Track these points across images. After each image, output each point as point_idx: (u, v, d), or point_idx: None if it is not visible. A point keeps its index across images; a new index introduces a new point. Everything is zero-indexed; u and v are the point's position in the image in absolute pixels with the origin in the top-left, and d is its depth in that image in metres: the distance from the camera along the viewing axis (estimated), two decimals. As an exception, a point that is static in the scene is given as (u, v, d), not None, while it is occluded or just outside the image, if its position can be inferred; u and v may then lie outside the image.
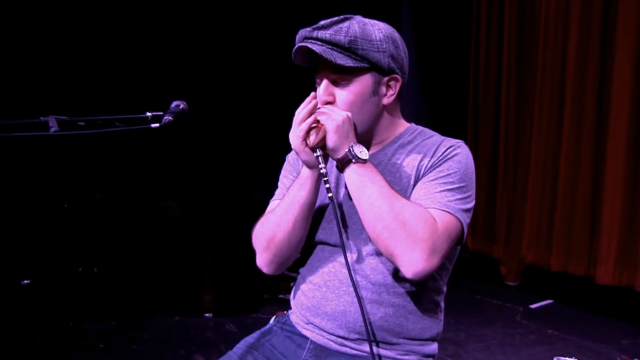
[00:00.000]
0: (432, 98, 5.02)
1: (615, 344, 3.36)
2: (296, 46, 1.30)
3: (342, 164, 1.27)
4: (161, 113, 1.33)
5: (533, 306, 4.12)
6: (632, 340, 3.42)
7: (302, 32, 1.31)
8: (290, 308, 1.49)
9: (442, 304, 1.42)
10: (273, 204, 1.46)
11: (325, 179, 1.27)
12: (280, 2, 4.32)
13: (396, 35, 1.35)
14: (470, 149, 1.34)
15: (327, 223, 1.39)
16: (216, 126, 4.16)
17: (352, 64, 1.28)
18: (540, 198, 4.38)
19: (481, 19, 4.94)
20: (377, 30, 1.31)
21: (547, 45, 4.32)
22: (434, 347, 1.39)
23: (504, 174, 4.76)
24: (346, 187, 1.32)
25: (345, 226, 1.36)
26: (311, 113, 1.28)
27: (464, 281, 4.51)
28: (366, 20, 1.33)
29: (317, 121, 1.28)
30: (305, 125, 1.27)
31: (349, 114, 1.28)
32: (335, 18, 1.30)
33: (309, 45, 1.27)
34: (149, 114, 1.32)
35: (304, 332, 1.40)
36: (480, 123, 5.00)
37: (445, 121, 4.76)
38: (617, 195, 3.80)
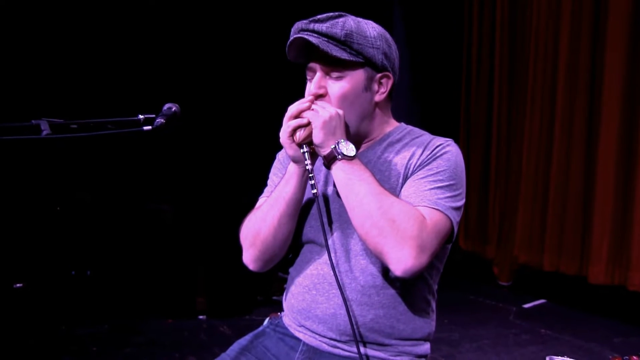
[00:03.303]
0: (425, 98, 5.04)
1: (607, 342, 3.38)
2: (292, 37, 1.30)
3: (328, 161, 1.27)
4: (153, 115, 1.33)
5: (526, 306, 4.14)
6: (623, 339, 3.45)
7: (298, 25, 1.32)
8: (283, 309, 1.50)
9: (434, 304, 1.42)
10: (261, 201, 1.46)
11: (311, 175, 1.27)
12: (272, 5, 4.32)
13: (388, 35, 1.37)
14: (463, 149, 1.35)
15: (315, 221, 1.38)
16: (209, 129, 4.15)
17: (347, 57, 1.28)
18: (532, 198, 4.41)
19: (473, 19, 4.97)
20: (371, 27, 1.33)
21: (538, 46, 4.35)
22: (426, 347, 1.39)
23: (496, 175, 4.78)
24: (334, 185, 1.31)
25: (333, 225, 1.36)
26: (302, 111, 1.28)
27: (457, 282, 4.53)
28: (359, 18, 1.34)
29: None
30: (294, 123, 1.27)
31: (340, 111, 1.28)
32: (330, 13, 1.31)
33: (306, 37, 1.27)
34: (141, 116, 1.32)
35: (297, 334, 1.40)
36: (472, 123, 5.03)
37: (437, 121, 4.78)
38: (608, 195, 3.82)
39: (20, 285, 3.49)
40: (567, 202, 4.14)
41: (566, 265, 4.13)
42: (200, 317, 3.68)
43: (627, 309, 3.79)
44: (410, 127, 1.44)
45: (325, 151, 1.27)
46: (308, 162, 1.27)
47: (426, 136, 1.39)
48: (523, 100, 4.50)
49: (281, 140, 1.30)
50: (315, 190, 1.27)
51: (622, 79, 3.76)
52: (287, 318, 1.45)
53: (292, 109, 1.28)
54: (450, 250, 1.40)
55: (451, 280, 4.28)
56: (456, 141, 1.39)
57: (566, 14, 4.12)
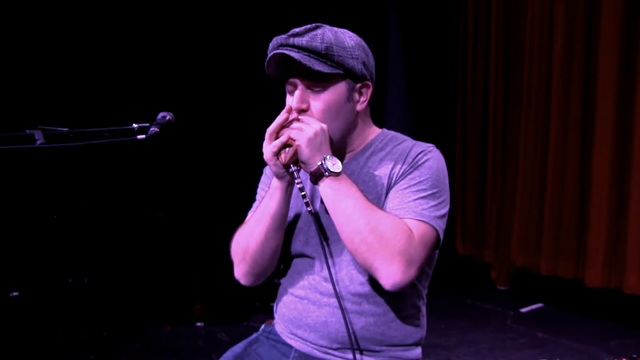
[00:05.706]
0: (421, 104, 5.04)
1: (604, 345, 3.39)
2: (271, 53, 1.30)
3: (315, 178, 1.27)
4: (147, 124, 1.33)
5: (523, 310, 4.15)
6: (620, 341, 3.45)
7: (277, 40, 1.31)
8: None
9: (424, 309, 1.43)
10: (250, 215, 1.47)
11: (303, 193, 1.27)
12: (267, 14, 4.33)
13: (364, 43, 1.37)
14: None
15: (303, 235, 1.39)
16: (206, 136, 4.16)
17: (328, 71, 1.28)
18: (528, 202, 4.42)
19: (468, 26, 4.99)
20: (349, 37, 1.32)
21: (533, 52, 4.38)
22: (417, 352, 1.40)
23: (493, 179, 4.79)
24: (322, 198, 1.32)
25: (323, 237, 1.36)
26: (283, 126, 1.28)
27: (454, 286, 4.53)
28: (335, 28, 1.34)
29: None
30: (278, 143, 1.26)
31: (324, 126, 1.27)
32: (308, 26, 1.30)
33: (287, 52, 1.26)
34: (135, 125, 1.33)
35: (288, 341, 1.42)
36: (468, 129, 5.04)
37: (433, 127, 4.79)
38: (603, 199, 3.84)
39: (17, 293, 3.49)
40: (563, 206, 4.15)
41: (563, 269, 4.13)
42: (198, 323, 3.68)
43: (623, 311, 3.80)
44: (392, 134, 1.44)
45: (311, 168, 1.26)
46: (298, 180, 1.28)
47: (408, 142, 1.39)
48: (518, 105, 4.51)
49: (265, 158, 1.29)
50: (310, 209, 1.27)
51: (615, 82, 3.78)
52: (279, 326, 1.46)
53: (273, 125, 1.28)
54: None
55: (448, 285, 4.32)
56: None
57: (560, 17, 4.16)
